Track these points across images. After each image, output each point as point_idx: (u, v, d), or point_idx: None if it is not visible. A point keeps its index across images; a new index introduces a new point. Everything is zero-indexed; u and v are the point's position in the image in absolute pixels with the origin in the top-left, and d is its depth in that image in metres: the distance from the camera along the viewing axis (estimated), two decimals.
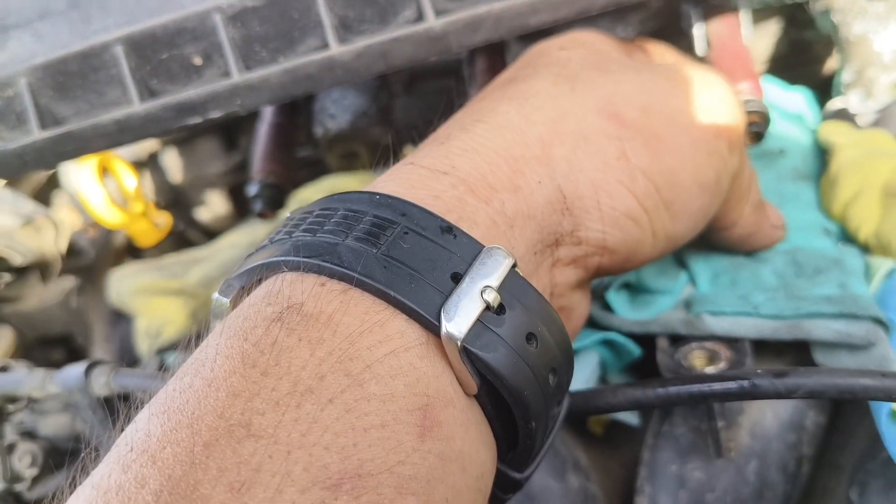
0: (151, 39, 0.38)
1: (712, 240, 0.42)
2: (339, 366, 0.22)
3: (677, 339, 0.40)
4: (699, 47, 0.52)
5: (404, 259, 0.25)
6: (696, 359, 0.38)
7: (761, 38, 0.62)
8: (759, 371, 0.32)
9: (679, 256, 0.44)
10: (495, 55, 0.56)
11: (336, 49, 0.38)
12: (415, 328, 0.24)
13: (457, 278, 0.25)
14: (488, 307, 0.25)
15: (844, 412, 0.41)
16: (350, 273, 0.24)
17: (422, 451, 0.22)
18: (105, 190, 0.63)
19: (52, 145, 0.39)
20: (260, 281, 0.26)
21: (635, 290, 0.43)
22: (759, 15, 0.58)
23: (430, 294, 0.24)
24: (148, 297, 0.58)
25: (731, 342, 0.38)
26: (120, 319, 0.63)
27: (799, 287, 0.40)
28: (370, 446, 0.21)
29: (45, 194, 0.72)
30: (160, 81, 0.39)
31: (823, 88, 0.56)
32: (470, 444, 0.24)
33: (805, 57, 0.61)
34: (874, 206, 0.42)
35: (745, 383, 0.32)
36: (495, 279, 0.25)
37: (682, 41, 0.58)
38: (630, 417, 0.41)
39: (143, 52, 0.38)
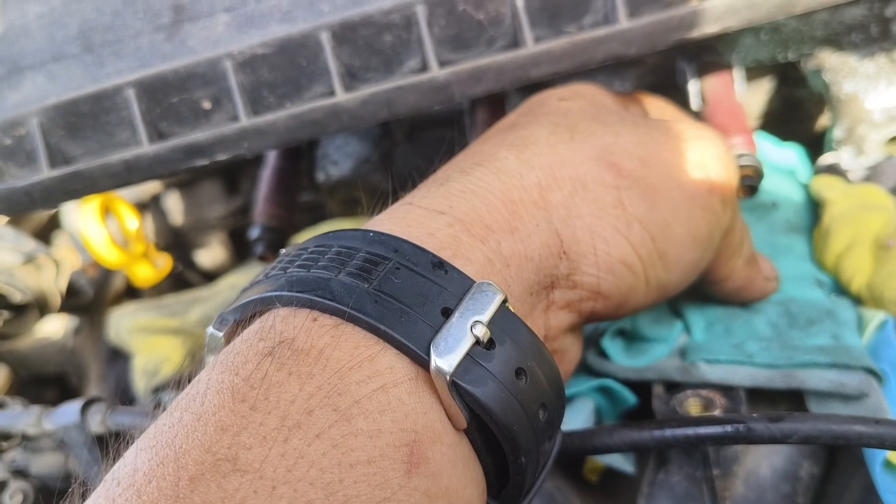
0: (162, 83, 0.39)
1: (706, 292, 0.42)
2: (328, 401, 0.22)
3: (672, 387, 0.40)
4: (694, 103, 0.54)
5: (395, 294, 0.25)
6: (692, 406, 0.38)
7: (755, 95, 0.64)
8: (754, 415, 0.32)
9: (674, 305, 0.45)
10: (496, 105, 0.57)
11: (342, 96, 0.39)
12: (405, 363, 0.24)
13: (447, 313, 0.25)
14: (478, 342, 0.25)
15: (839, 463, 0.41)
16: (342, 308, 0.24)
17: (408, 489, 0.22)
18: (107, 230, 0.64)
19: (61, 184, 0.39)
20: (254, 316, 0.26)
21: (631, 337, 0.44)
22: (753, 73, 0.60)
23: (421, 328, 0.24)
24: (146, 335, 0.58)
25: (726, 390, 0.39)
26: (117, 359, 0.63)
27: (792, 337, 0.40)
28: (356, 483, 0.21)
29: (46, 233, 0.73)
30: (169, 124, 0.40)
31: (815, 145, 0.57)
32: (457, 480, 0.24)
33: (797, 114, 0.63)
34: (866, 258, 0.43)
35: (741, 427, 0.32)
36: (486, 314, 0.25)
37: (677, 96, 0.59)
38: (625, 465, 0.41)
39: (154, 96, 0.39)
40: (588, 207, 0.31)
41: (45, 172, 0.39)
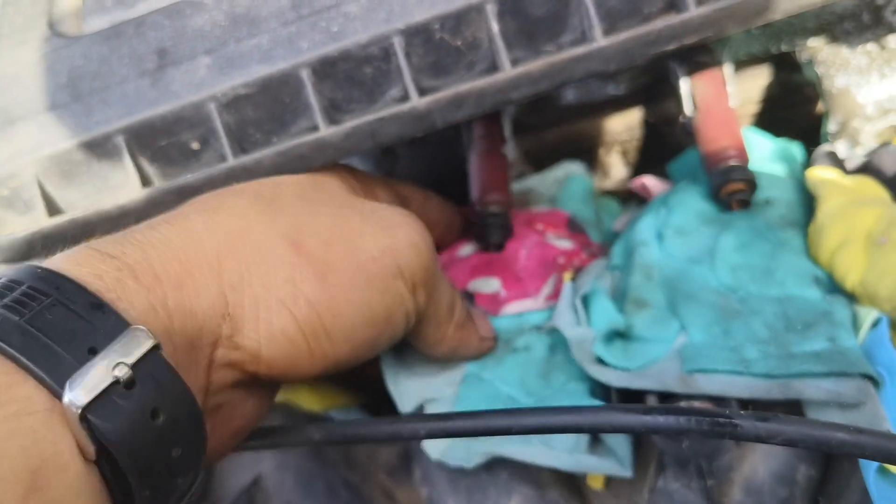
0: (151, 128, 0.39)
1: (420, 350, 0.45)
2: None
3: (666, 397, 0.41)
4: (685, 107, 0.53)
5: (44, 329, 0.27)
6: None
7: (752, 79, 0.63)
8: (742, 413, 0.32)
9: (672, 304, 0.45)
10: (491, 119, 0.57)
11: (325, 130, 0.39)
12: (42, 395, 0.26)
13: (94, 352, 0.27)
14: (118, 381, 0.27)
15: (836, 465, 0.42)
16: None
17: None
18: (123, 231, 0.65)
19: (60, 231, 0.40)
20: None
21: (628, 338, 0.44)
22: (748, 60, 0.59)
23: (64, 365, 0.26)
24: None
25: (720, 401, 0.39)
26: None
27: (789, 342, 0.40)
28: None
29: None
30: (160, 166, 0.41)
31: (815, 128, 0.56)
32: None
33: (795, 98, 0.62)
34: (859, 255, 0.43)
35: (728, 421, 0.31)
36: (132, 357, 0.27)
37: (671, 96, 0.59)
38: (621, 470, 0.42)
39: (144, 140, 0.40)
40: (260, 279, 0.33)
41: (43, 221, 0.40)
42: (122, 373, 0.27)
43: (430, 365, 0.48)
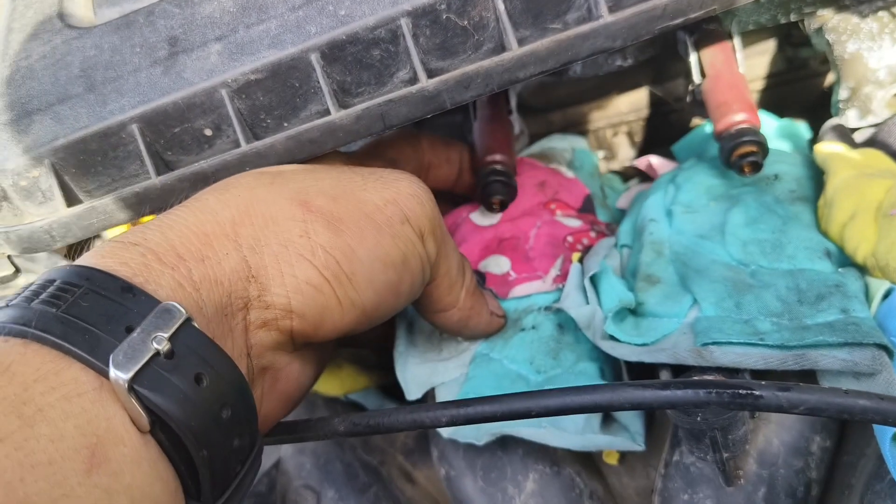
0: (164, 116, 0.40)
1: (433, 323, 0.46)
2: (12, 409, 0.25)
3: (679, 371, 0.41)
4: (695, 75, 0.53)
5: (81, 316, 0.29)
6: None
7: (759, 56, 0.63)
8: (763, 383, 0.32)
9: (683, 279, 0.45)
10: (498, 98, 0.58)
11: (336, 114, 0.40)
12: (89, 375, 0.28)
13: (131, 330, 0.29)
14: (158, 353, 0.28)
15: (853, 433, 0.42)
16: (27, 329, 0.28)
17: (87, 486, 0.26)
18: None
19: (77, 220, 0.41)
20: None
21: (640, 315, 0.45)
22: (756, 34, 0.59)
23: (105, 344, 0.28)
24: None
25: (733, 373, 0.39)
26: None
27: (802, 314, 0.41)
28: (36, 481, 0.24)
29: (81, 247, 0.75)
30: (174, 153, 0.41)
31: (822, 104, 0.56)
32: (142, 477, 0.28)
33: (802, 73, 0.62)
34: (870, 227, 0.43)
35: (749, 392, 0.31)
36: (168, 330, 0.29)
37: (680, 66, 0.59)
38: (634, 445, 0.42)
39: (157, 128, 0.40)
40: (276, 238, 0.35)
41: (62, 210, 0.41)
42: (161, 344, 0.29)
43: (441, 350, 0.48)
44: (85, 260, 0.32)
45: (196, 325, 0.30)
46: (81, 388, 0.27)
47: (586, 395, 0.32)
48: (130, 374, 0.27)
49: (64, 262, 0.31)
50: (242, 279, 0.34)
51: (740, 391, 0.30)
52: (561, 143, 0.63)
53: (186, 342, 0.30)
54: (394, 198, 0.39)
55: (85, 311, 0.29)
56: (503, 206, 0.54)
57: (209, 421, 0.29)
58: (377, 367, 0.56)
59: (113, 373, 0.27)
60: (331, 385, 0.53)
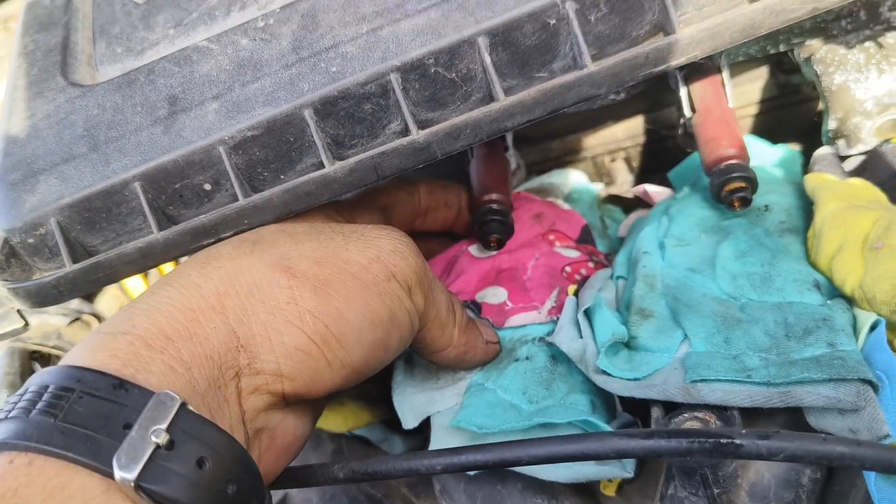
0: (165, 173, 0.41)
1: (431, 361, 0.47)
2: None
3: (670, 407, 0.42)
4: (685, 110, 0.54)
5: (79, 422, 0.30)
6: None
7: (751, 82, 0.64)
8: (743, 431, 0.33)
9: (675, 314, 0.46)
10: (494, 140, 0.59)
11: (330, 167, 0.41)
12: (95, 480, 0.29)
13: (129, 426, 0.30)
14: (159, 446, 0.30)
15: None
16: (29, 444, 0.29)
17: None
18: (145, 279, 0.68)
19: (84, 275, 0.42)
20: None
21: (632, 349, 0.46)
22: (747, 61, 0.60)
23: (106, 447, 0.29)
24: None
25: (721, 410, 0.40)
26: None
27: (790, 348, 0.41)
28: None
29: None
30: (175, 208, 0.42)
31: (814, 129, 0.57)
32: None
33: (794, 98, 0.63)
34: (857, 259, 0.44)
35: (730, 441, 0.32)
36: (165, 421, 0.30)
37: (672, 95, 0.60)
38: (623, 472, 0.43)
39: (159, 185, 0.42)
40: (262, 306, 0.36)
41: (68, 266, 0.42)
42: (160, 437, 0.30)
43: (437, 379, 0.50)
44: (75, 357, 0.33)
45: (192, 408, 0.31)
46: (89, 494, 0.28)
47: (574, 445, 0.33)
48: (135, 474, 0.29)
49: (51, 366, 0.33)
50: (232, 350, 0.35)
51: (721, 440, 0.31)
52: (559, 179, 0.65)
53: (184, 428, 0.31)
54: (377, 255, 0.40)
55: (82, 417, 0.30)
56: (500, 245, 0.55)
57: (216, 501, 0.31)
58: (380, 401, 0.57)
59: (118, 475, 0.29)
60: (335, 422, 0.54)
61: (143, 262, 0.42)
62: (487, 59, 0.40)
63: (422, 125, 0.41)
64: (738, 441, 0.31)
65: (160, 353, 0.33)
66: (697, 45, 0.40)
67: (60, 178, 0.42)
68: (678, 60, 0.40)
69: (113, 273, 0.43)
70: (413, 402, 0.49)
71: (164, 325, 0.34)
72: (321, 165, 0.41)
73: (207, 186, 0.42)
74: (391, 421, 0.57)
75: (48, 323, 0.61)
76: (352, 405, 0.56)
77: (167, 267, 0.71)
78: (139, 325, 0.34)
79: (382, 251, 0.40)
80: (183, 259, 0.43)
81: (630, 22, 0.40)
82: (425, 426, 0.49)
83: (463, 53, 0.40)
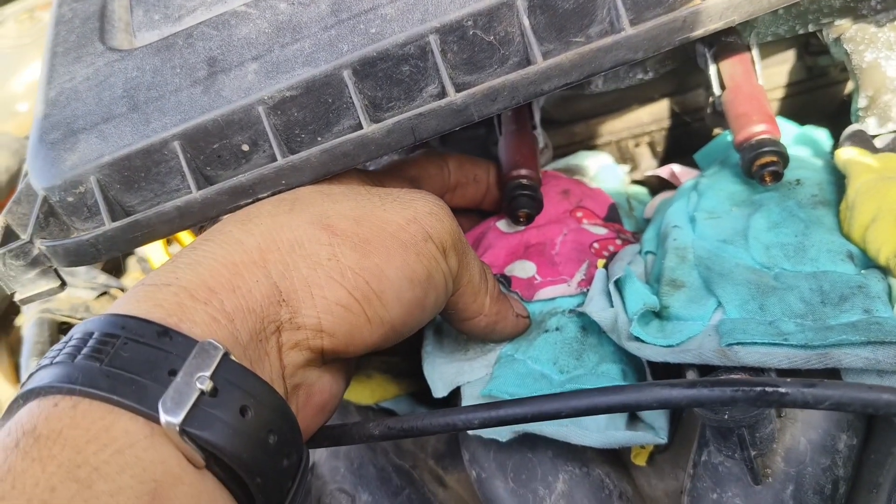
0: (204, 133, 0.42)
1: (462, 331, 0.47)
2: (68, 474, 0.27)
3: (705, 371, 0.42)
4: (714, 87, 0.54)
5: (124, 367, 0.30)
6: None
7: (778, 65, 0.64)
8: (787, 380, 0.33)
9: (707, 282, 0.46)
10: (522, 113, 0.59)
11: (368, 128, 0.41)
12: (139, 424, 0.29)
13: (174, 373, 0.30)
14: (203, 393, 0.30)
15: (879, 431, 0.43)
16: (74, 388, 0.29)
17: None
18: (170, 257, 0.68)
19: (122, 234, 0.43)
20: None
21: (665, 318, 0.45)
22: (775, 44, 0.60)
23: (151, 391, 0.29)
24: None
25: (758, 372, 0.40)
26: None
27: (826, 314, 0.41)
28: None
29: (117, 262, 0.78)
30: (213, 168, 0.43)
31: (842, 111, 0.57)
32: None
33: (822, 81, 0.63)
34: (892, 229, 0.44)
35: (775, 389, 0.32)
36: (209, 369, 0.30)
37: (699, 77, 0.60)
38: (656, 438, 0.43)
39: (197, 145, 0.42)
40: (304, 262, 0.37)
41: (107, 225, 0.42)
42: (205, 384, 0.30)
43: (467, 351, 0.50)
44: (120, 307, 0.33)
45: (234, 358, 0.32)
46: (133, 438, 0.29)
47: (614, 396, 0.33)
48: (181, 418, 0.29)
49: (100, 315, 0.33)
50: (274, 304, 0.35)
51: (766, 388, 0.31)
52: (586, 161, 0.65)
53: (227, 377, 0.31)
54: (414, 216, 0.40)
55: (127, 362, 0.30)
56: (529, 220, 0.55)
57: (258, 449, 0.31)
58: (407, 375, 0.57)
59: (164, 419, 0.29)
60: (362, 394, 0.54)
61: (181, 221, 0.43)
62: (526, 22, 0.40)
63: (459, 88, 0.41)
64: (782, 389, 0.31)
65: (204, 304, 0.33)
66: (735, 9, 0.40)
67: (101, 137, 0.43)
68: (716, 24, 0.40)
69: (151, 232, 0.43)
70: (443, 371, 0.49)
71: (208, 277, 0.34)
72: (359, 126, 0.42)
73: (245, 147, 0.42)
74: (418, 394, 0.57)
75: (76, 296, 0.62)
76: (379, 378, 0.56)
77: (186, 239, 0.71)
78: (183, 277, 0.34)
79: (419, 213, 0.41)
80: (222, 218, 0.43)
81: None
82: (454, 398, 0.49)
83: (501, 16, 0.41)
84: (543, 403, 0.35)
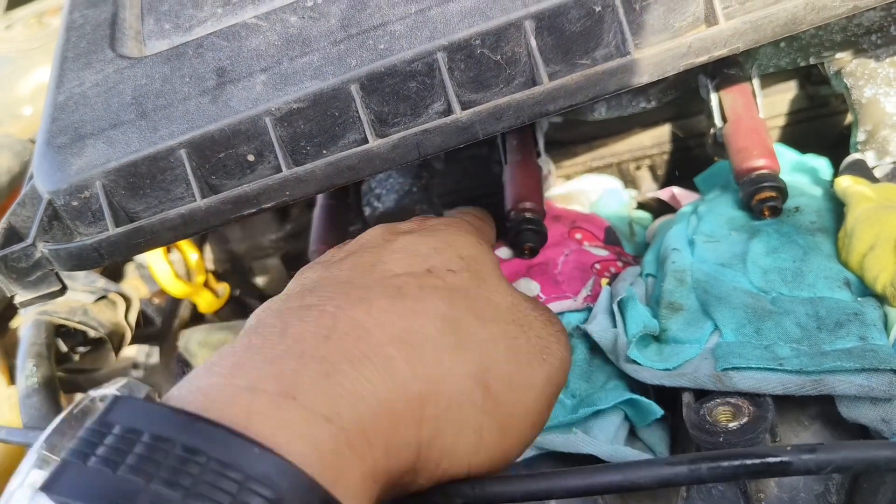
0: (211, 142, 0.42)
1: None
2: None
3: (702, 393, 0.42)
4: (716, 119, 0.55)
5: None
6: (721, 414, 0.40)
7: (780, 94, 0.65)
8: (788, 448, 0.32)
9: (704, 305, 0.46)
10: (525, 132, 0.60)
11: (373, 142, 0.42)
12: None
13: None
14: None
15: None
16: None
17: None
18: (170, 265, 0.69)
19: (125, 239, 0.43)
20: None
21: (662, 341, 0.46)
22: (777, 73, 0.61)
23: None
24: (214, 350, 0.63)
25: (754, 397, 0.40)
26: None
27: (821, 340, 0.42)
28: None
29: (116, 268, 0.78)
30: (219, 178, 0.43)
31: (842, 141, 0.58)
32: None
33: (823, 111, 0.63)
34: (889, 257, 0.44)
35: (779, 461, 0.32)
36: None
37: (701, 103, 0.61)
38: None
39: (204, 153, 0.42)
40: (453, 428, 0.32)
41: (111, 230, 0.43)
42: None
43: None
44: (254, 425, 0.25)
45: None
46: None
47: (614, 475, 0.32)
48: None
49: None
50: (406, 471, 0.31)
51: (768, 459, 0.31)
52: (588, 185, 0.65)
53: None
54: (550, 376, 0.37)
55: None
56: (533, 253, 0.56)
57: None
58: None
59: None
60: None
61: (185, 228, 0.43)
62: (533, 43, 0.41)
63: (465, 105, 0.42)
64: (786, 459, 0.31)
65: (360, 461, 0.27)
66: (740, 37, 0.41)
67: (107, 143, 0.43)
68: (721, 51, 0.41)
69: (154, 238, 0.43)
70: None
71: (368, 423, 0.28)
72: (364, 141, 0.42)
73: (251, 157, 0.43)
74: None
75: (75, 299, 0.62)
76: None
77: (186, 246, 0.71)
78: (344, 414, 0.28)
79: (554, 368, 0.38)
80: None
81: (674, 13, 0.41)
82: None
83: (509, 36, 0.41)
84: (531, 483, 0.33)
